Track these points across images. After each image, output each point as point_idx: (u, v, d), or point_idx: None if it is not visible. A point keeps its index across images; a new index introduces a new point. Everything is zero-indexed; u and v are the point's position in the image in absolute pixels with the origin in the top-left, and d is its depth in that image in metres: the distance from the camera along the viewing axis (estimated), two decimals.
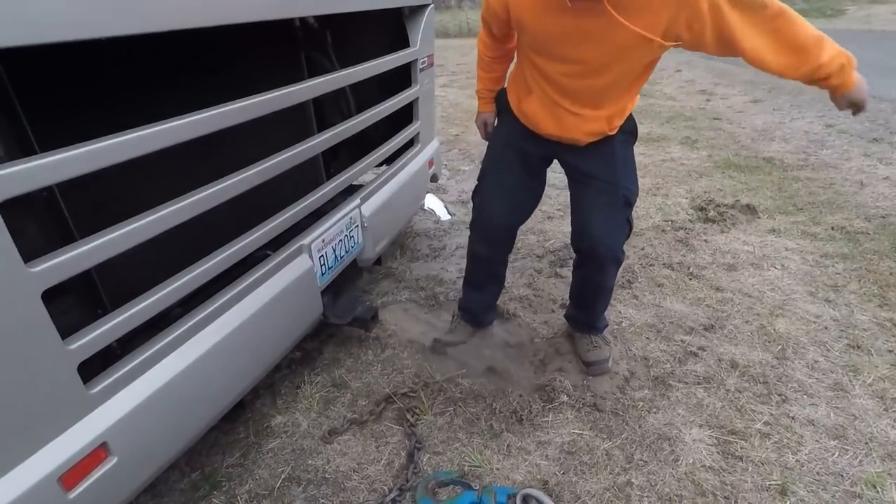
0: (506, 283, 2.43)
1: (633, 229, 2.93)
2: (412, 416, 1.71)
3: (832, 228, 2.92)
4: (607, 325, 2.01)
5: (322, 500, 1.47)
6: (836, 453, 1.56)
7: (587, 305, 1.93)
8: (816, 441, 1.61)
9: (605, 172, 1.64)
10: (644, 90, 6.78)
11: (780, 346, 2.00)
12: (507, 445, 1.61)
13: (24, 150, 1.08)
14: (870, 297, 2.29)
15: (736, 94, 6.45)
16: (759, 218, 3.08)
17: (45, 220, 1.14)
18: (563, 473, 1.52)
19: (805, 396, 1.78)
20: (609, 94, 1.51)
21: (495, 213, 1.81)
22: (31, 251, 0.89)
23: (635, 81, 1.52)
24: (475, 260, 1.99)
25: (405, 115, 2.33)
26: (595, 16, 1.29)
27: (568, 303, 2.06)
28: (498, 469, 1.54)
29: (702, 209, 3.20)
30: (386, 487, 1.49)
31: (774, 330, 2.10)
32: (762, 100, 6.09)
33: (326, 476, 1.54)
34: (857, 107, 1.38)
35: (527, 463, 1.55)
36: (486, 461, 1.56)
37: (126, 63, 1.36)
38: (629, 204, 1.67)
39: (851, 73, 1.32)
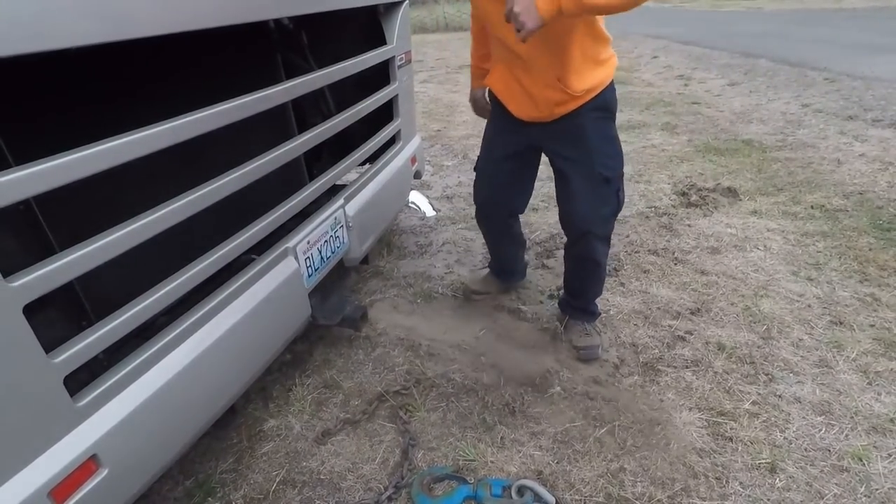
0: None
1: (618, 218, 2.97)
2: (405, 414, 1.71)
3: (812, 207, 2.97)
4: (600, 313, 2.03)
5: (318, 502, 1.47)
6: (823, 429, 1.60)
7: (580, 287, 1.97)
8: (803, 418, 1.64)
9: (578, 153, 1.70)
10: (622, 77, 6.82)
11: (765, 326, 2.04)
12: (501, 438, 1.62)
13: None
14: (850, 274, 2.33)
15: (713, 78, 6.51)
16: (740, 200, 3.13)
17: (23, 233, 1.12)
18: (557, 463, 1.53)
19: (791, 374, 1.81)
20: (553, 52, 1.55)
21: (486, 198, 2.03)
22: (10, 265, 0.88)
23: (574, 36, 1.52)
24: (483, 232, 2.22)
25: (385, 113, 2.33)
26: None
27: (561, 290, 2.11)
28: (492, 462, 1.55)
29: (684, 194, 3.23)
30: (381, 486, 1.50)
31: (759, 310, 2.13)
32: (739, 82, 6.16)
33: (321, 477, 1.54)
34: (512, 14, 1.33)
35: (521, 454, 1.57)
36: (480, 455, 1.57)
37: (97, 71, 1.34)
38: (608, 180, 1.70)
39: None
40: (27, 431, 0.93)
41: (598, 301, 2.03)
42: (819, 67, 6.51)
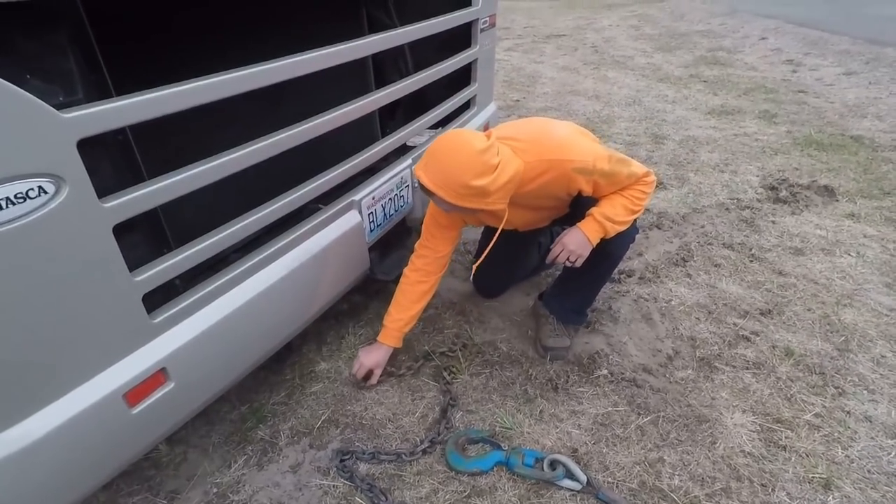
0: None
1: (694, 207, 2.81)
2: (449, 375, 1.75)
3: None
4: (586, 320, 1.94)
5: (357, 443, 1.55)
6: (893, 453, 1.48)
7: (588, 286, 1.84)
8: (871, 438, 1.52)
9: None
10: (722, 59, 6.33)
11: (843, 338, 1.88)
12: (540, 411, 1.63)
13: (101, 93, 1.16)
14: None
15: (827, 66, 5.88)
16: (836, 201, 2.86)
17: (118, 160, 1.23)
18: (594, 444, 1.52)
19: (865, 392, 1.67)
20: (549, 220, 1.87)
21: (481, 286, 2.14)
22: (104, 188, 0.97)
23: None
24: None
25: (463, 77, 2.30)
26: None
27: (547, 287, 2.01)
28: (528, 433, 1.56)
29: (773, 188, 2.99)
30: (418, 438, 1.56)
31: (839, 320, 1.97)
32: (857, 72, 5.53)
33: (363, 422, 1.62)
34: (563, 247, 1.60)
35: (558, 430, 1.57)
36: (517, 424, 1.59)
37: (195, 14, 1.41)
38: None
39: (595, 237, 1.58)
40: (108, 339, 1.04)
41: (588, 309, 1.92)
42: None
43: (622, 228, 1.60)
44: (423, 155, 1.45)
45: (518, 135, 1.54)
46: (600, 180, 1.54)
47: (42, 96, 0.83)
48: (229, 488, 1.45)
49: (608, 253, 1.65)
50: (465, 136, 1.43)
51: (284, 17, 1.69)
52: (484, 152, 1.38)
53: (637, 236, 1.78)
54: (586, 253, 1.60)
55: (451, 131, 1.47)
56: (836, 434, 1.53)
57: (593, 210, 1.58)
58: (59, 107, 0.86)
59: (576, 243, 1.59)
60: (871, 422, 1.57)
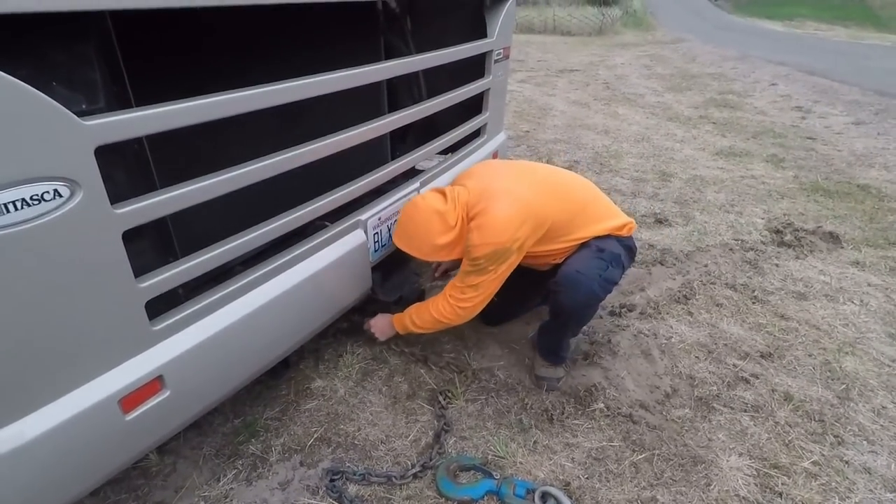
0: None
1: (699, 245, 2.82)
2: (444, 399, 1.74)
3: None
4: (567, 358, 1.87)
5: (348, 464, 1.53)
6: None
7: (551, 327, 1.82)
8: (870, 490, 1.49)
9: None
10: (732, 102, 6.44)
11: (844, 386, 1.87)
12: (534, 442, 1.61)
13: (122, 103, 1.19)
14: None
15: (836, 114, 5.95)
16: (841, 248, 2.86)
17: (132, 168, 1.26)
18: (587, 478, 1.50)
19: (865, 442, 1.65)
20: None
21: (484, 313, 1.89)
22: (117, 194, 0.99)
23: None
24: None
25: (475, 105, 2.35)
26: None
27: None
28: (521, 463, 1.54)
29: (778, 232, 3.00)
30: (409, 462, 1.54)
31: (840, 367, 1.95)
32: (866, 122, 5.59)
33: (356, 442, 1.61)
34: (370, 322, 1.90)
35: (551, 462, 1.55)
36: (510, 453, 1.57)
37: (219, 32, 1.46)
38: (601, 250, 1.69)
39: (399, 326, 1.79)
40: (108, 344, 1.05)
41: (570, 346, 1.87)
42: None
43: (426, 329, 1.74)
44: (396, 223, 1.64)
45: (478, 179, 1.67)
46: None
47: (65, 103, 0.85)
48: (217, 502, 1.44)
49: (560, 304, 1.64)
50: (424, 201, 1.61)
51: (305, 39, 1.74)
52: (445, 213, 1.56)
53: (635, 272, 1.79)
54: (381, 338, 1.89)
55: (411, 200, 1.63)
56: (833, 484, 1.50)
57: (412, 308, 1.76)
58: (81, 114, 0.88)
59: (379, 328, 1.87)
60: (870, 473, 1.54)
